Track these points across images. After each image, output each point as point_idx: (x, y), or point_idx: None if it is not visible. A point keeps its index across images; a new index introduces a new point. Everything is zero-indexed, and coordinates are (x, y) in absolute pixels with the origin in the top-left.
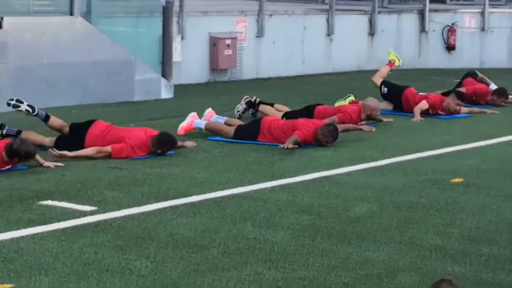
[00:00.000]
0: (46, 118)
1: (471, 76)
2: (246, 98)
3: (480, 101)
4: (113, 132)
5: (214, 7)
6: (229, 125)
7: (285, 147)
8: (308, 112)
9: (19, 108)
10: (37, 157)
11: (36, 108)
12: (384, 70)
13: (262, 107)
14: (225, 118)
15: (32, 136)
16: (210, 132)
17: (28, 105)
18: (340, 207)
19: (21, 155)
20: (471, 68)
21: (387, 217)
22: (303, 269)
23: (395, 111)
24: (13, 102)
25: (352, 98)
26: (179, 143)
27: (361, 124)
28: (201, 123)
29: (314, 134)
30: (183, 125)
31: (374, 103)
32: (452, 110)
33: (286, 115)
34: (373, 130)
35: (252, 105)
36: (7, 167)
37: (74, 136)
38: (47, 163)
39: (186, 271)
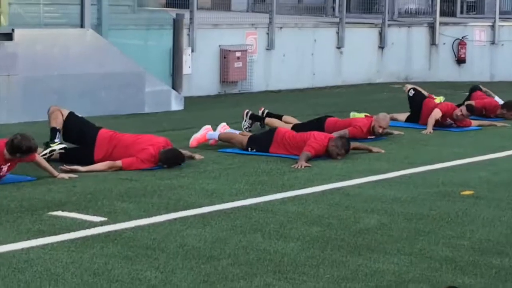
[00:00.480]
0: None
1: (478, 90)
2: (248, 112)
3: (490, 114)
4: (120, 142)
5: (224, 20)
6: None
7: (299, 166)
8: (318, 124)
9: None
10: (50, 168)
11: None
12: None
13: (268, 120)
14: (238, 131)
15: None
16: (224, 141)
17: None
18: (350, 218)
19: (22, 150)
20: (480, 82)
21: (397, 228)
22: (313, 280)
23: (408, 123)
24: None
25: (367, 114)
26: (188, 154)
27: (371, 143)
28: (215, 134)
29: (326, 148)
30: (196, 137)
31: (383, 118)
32: (460, 119)
33: (295, 128)
34: (383, 152)
35: (256, 118)
36: (7, 165)
37: (82, 149)
38: (61, 175)
39: (195, 281)
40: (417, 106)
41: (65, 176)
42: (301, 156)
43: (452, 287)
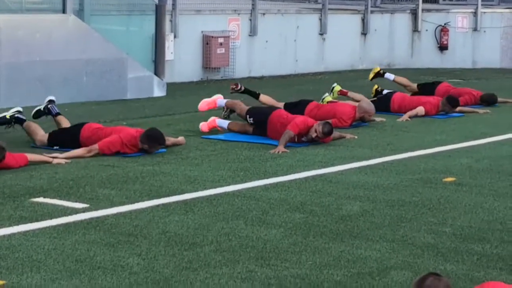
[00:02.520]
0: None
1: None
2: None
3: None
4: (105, 131)
5: (207, 6)
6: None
7: (276, 151)
8: (299, 109)
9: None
10: (44, 158)
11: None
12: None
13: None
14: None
15: (33, 127)
16: (229, 107)
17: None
18: (332, 205)
19: None
20: (463, 69)
21: (379, 215)
22: (295, 267)
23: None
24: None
25: (338, 87)
26: (172, 140)
27: (354, 130)
28: (223, 101)
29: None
30: (207, 100)
31: (368, 106)
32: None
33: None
34: (356, 138)
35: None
36: None
37: (68, 132)
38: (56, 160)
39: (178, 268)
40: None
41: (61, 161)
42: (282, 136)
43: (434, 274)
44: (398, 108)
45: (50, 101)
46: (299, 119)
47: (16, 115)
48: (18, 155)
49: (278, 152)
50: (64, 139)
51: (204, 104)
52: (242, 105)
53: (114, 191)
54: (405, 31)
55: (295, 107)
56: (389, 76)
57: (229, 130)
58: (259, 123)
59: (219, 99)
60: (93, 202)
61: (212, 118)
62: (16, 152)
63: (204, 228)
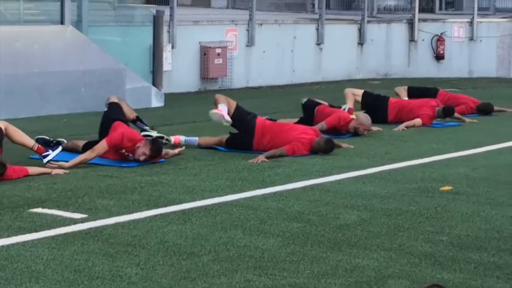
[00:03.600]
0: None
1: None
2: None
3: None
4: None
5: (204, 16)
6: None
7: (255, 161)
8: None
9: None
10: (43, 170)
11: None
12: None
13: None
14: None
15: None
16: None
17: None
18: (330, 214)
19: None
20: (459, 78)
21: (377, 224)
22: (293, 276)
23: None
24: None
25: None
26: (171, 154)
27: (350, 139)
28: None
29: (309, 148)
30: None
31: (366, 119)
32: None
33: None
34: (352, 147)
35: None
36: None
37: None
38: (55, 171)
39: (176, 278)
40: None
41: (60, 171)
42: (275, 150)
43: (437, 285)
44: (395, 118)
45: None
46: (297, 145)
47: (58, 139)
48: (18, 168)
49: (257, 161)
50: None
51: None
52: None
53: (113, 201)
54: (402, 41)
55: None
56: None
57: (199, 145)
58: (244, 129)
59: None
60: (91, 212)
61: (177, 136)
62: (16, 165)
63: (202, 237)
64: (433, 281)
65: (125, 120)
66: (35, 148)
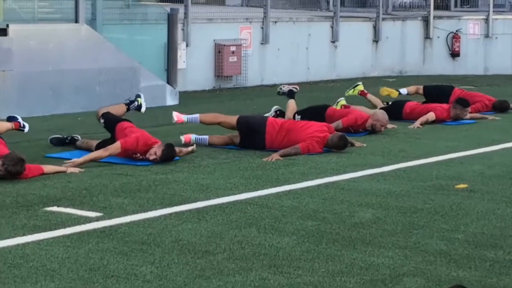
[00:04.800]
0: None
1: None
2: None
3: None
4: (129, 129)
5: (219, 14)
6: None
7: (269, 159)
8: (319, 112)
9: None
10: (59, 168)
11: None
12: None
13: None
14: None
15: (86, 142)
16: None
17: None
18: (344, 212)
19: (12, 174)
20: (475, 75)
21: (392, 222)
22: (308, 275)
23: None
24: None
25: (343, 102)
26: (184, 151)
27: (366, 137)
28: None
29: (323, 145)
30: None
31: (383, 116)
32: (462, 116)
33: (299, 113)
34: (364, 145)
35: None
36: None
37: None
38: (70, 169)
39: (191, 276)
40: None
41: (75, 170)
42: (289, 148)
43: (460, 286)
44: (410, 115)
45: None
46: (312, 143)
47: (73, 135)
48: (34, 166)
49: (272, 160)
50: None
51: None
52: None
53: (127, 199)
54: (417, 38)
55: (311, 114)
56: (403, 90)
57: (210, 144)
58: (252, 133)
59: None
60: (106, 210)
61: (188, 134)
62: (31, 163)
63: (217, 236)
64: (455, 282)
65: (124, 118)
66: (13, 127)
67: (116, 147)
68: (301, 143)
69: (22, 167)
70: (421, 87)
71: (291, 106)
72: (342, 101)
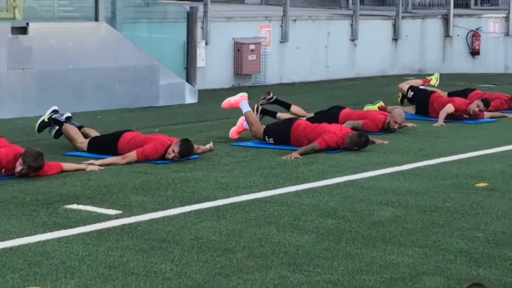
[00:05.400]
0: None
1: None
2: (258, 108)
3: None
4: (139, 139)
5: (238, 13)
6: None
7: (289, 157)
8: (332, 115)
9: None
10: (78, 166)
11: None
12: (415, 82)
13: (280, 115)
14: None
15: (72, 131)
16: (246, 120)
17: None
18: (364, 211)
19: (34, 169)
20: (495, 74)
21: (412, 221)
22: (327, 273)
23: (419, 115)
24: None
25: (381, 103)
26: (202, 149)
27: (385, 135)
28: (246, 106)
29: (342, 142)
30: (231, 101)
31: (399, 113)
32: (476, 114)
33: (310, 120)
34: (385, 143)
35: (267, 113)
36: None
37: (107, 140)
38: (89, 167)
39: (210, 274)
40: (421, 102)
41: (95, 168)
42: (307, 146)
43: (478, 284)
44: (436, 112)
45: (54, 111)
46: (328, 135)
47: (53, 116)
48: (53, 164)
49: (291, 158)
50: (103, 146)
51: (227, 103)
52: (258, 125)
53: (147, 197)
54: (437, 36)
55: (326, 115)
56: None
57: (245, 117)
58: (282, 141)
59: (243, 101)
60: (126, 208)
61: (240, 121)
62: (50, 161)
63: (237, 234)
64: (475, 280)
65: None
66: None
67: (132, 156)
68: (317, 139)
69: (43, 160)
70: (445, 94)
71: (297, 110)
72: (380, 103)
